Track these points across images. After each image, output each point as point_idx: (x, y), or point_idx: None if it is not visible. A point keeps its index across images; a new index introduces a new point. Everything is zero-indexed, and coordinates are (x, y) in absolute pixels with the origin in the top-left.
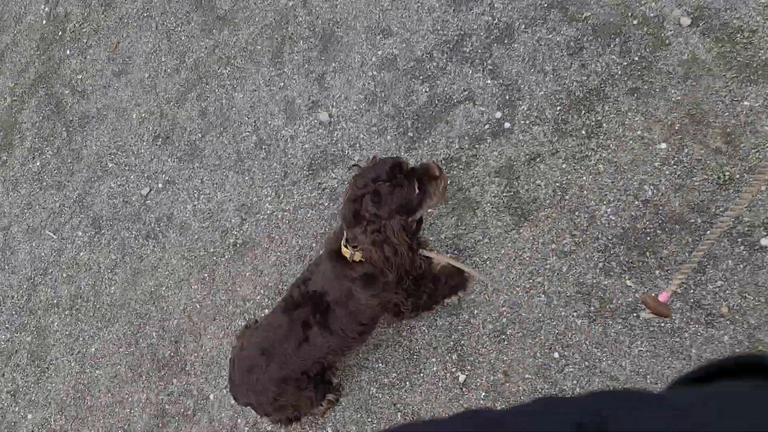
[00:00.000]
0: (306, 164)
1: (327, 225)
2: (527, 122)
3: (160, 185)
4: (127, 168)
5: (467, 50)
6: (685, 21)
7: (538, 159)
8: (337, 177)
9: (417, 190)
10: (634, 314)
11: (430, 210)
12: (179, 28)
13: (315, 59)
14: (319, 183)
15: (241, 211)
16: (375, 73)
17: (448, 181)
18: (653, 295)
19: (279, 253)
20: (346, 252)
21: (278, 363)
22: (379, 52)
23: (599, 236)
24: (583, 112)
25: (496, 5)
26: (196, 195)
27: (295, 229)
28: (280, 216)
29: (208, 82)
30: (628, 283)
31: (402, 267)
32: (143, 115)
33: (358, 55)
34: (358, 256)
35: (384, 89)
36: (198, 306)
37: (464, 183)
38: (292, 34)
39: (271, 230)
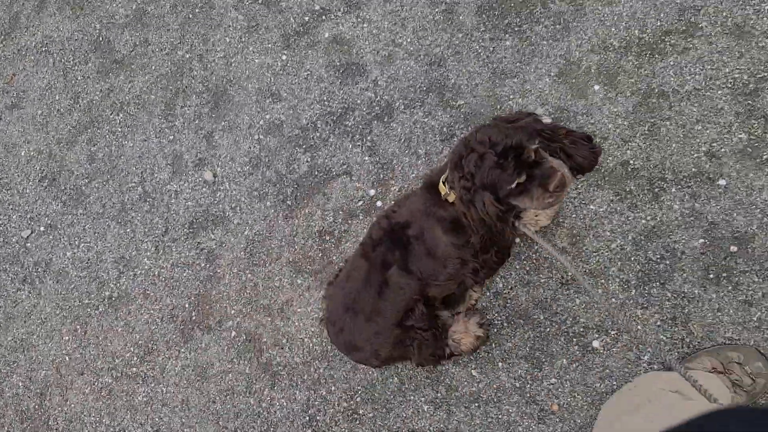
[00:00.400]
0: (188, 222)
1: (201, 286)
2: None
3: (41, 228)
4: (10, 207)
5: (350, 124)
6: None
7: None
8: (216, 239)
9: (514, 185)
10: (476, 404)
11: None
12: (76, 67)
13: (206, 115)
14: (199, 243)
15: (119, 264)
16: (261, 136)
17: (563, 198)
18: None
19: (152, 311)
20: (443, 188)
21: (364, 317)
22: (267, 116)
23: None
24: None
25: (379, 82)
26: (76, 242)
27: (170, 287)
28: (157, 273)
29: (99, 127)
30: (474, 373)
31: (487, 234)
32: (32, 153)
33: (247, 116)
34: (452, 197)
35: (268, 154)
36: (67, 358)
37: (334, 258)
38: (186, 87)
39: (147, 286)
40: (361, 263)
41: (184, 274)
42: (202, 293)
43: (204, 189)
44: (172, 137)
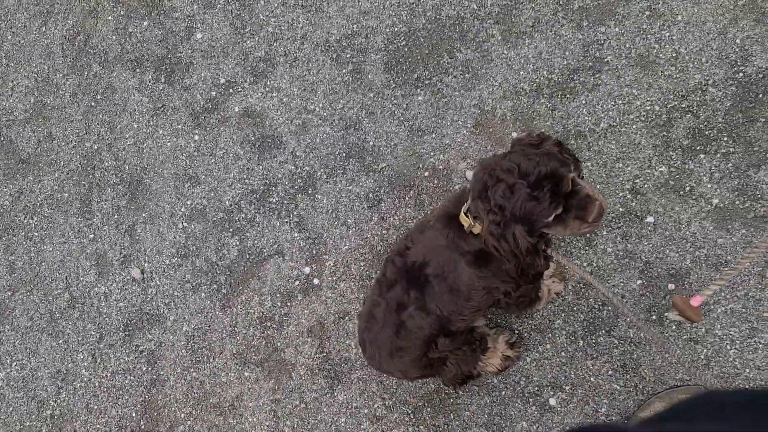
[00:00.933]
0: (122, 325)
1: (146, 392)
2: (334, 278)
3: None
4: None
5: (274, 201)
6: (470, 174)
7: (346, 317)
8: (154, 339)
9: (552, 218)
10: None
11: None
12: None
13: (124, 208)
14: (137, 345)
15: (56, 379)
16: (185, 224)
17: (599, 226)
18: (685, 297)
19: (98, 426)
20: (465, 220)
21: (387, 353)
22: (189, 202)
23: (408, 398)
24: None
25: (298, 153)
26: (8, 362)
27: (114, 397)
28: (97, 383)
29: (14, 234)
30: None
31: (522, 267)
32: None
33: (167, 204)
34: (477, 229)
35: (195, 242)
36: None
37: (279, 344)
38: (99, 180)
39: (89, 399)
40: (378, 301)
41: (127, 381)
42: (148, 399)
43: (134, 287)
44: (92, 236)
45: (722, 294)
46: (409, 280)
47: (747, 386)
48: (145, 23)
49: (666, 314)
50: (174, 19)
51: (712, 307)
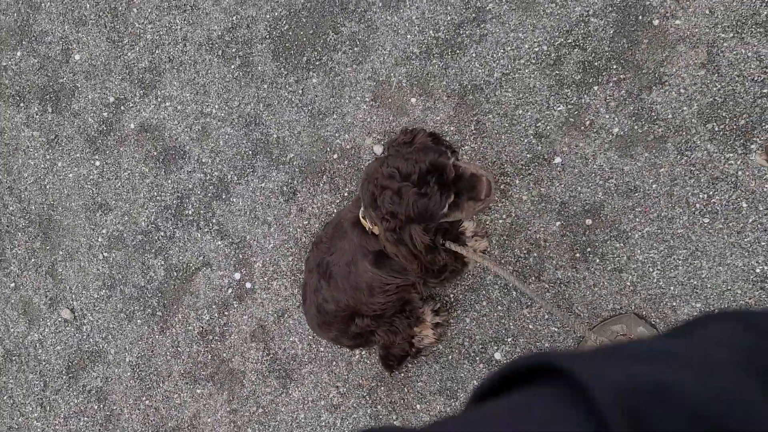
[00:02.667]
0: (63, 368)
1: (103, 429)
2: (266, 279)
3: None
4: None
5: (190, 212)
6: (378, 149)
7: (286, 314)
8: (99, 375)
9: (447, 207)
10: None
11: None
12: None
13: (40, 250)
14: (83, 385)
15: None
16: (106, 254)
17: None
18: None
19: None
20: (365, 223)
21: (318, 323)
22: (104, 231)
23: (361, 381)
24: None
25: (203, 160)
26: None
27: None
28: (52, 431)
29: None
30: (396, 423)
31: (422, 264)
32: None
33: (82, 237)
34: (376, 230)
35: (119, 270)
36: None
37: (224, 355)
38: (7, 226)
39: None
40: (305, 281)
41: (81, 423)
42: None
43: (67, 328)
44: (12, 284)
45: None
46: (320, 272)
47: (674, 303)
48: (18, 53)
49: (752, 157)
50: (47, 43)
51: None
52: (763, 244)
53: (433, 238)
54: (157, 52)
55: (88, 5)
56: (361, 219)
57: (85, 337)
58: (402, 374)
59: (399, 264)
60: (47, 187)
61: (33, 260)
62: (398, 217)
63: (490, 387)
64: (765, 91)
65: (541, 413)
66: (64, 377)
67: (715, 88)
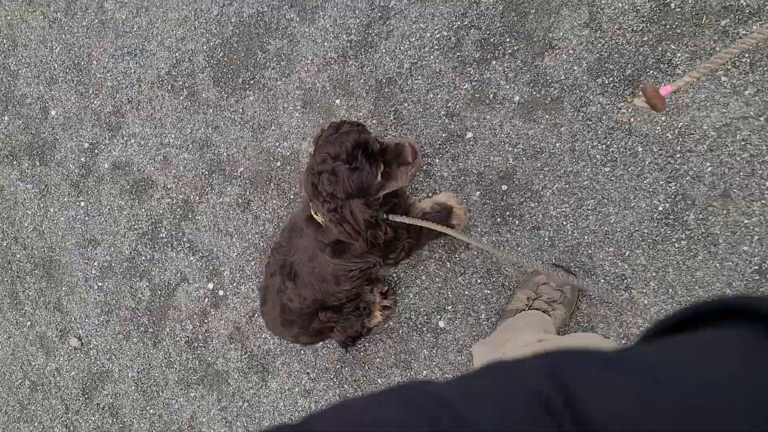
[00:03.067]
0: (80, 391)
1: None
2: (234, 284)
3: None
4: None
5: (163, 235)
6: (312, 150)
7: (256, 314)
8: (109, 393)
9: (379, 176)
10: None
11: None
12: None
13: (46, 288)
14: (98, 404)
15: None
16: (100, 283)
17: (420, 162)
18: (655, 86)
19: None
20: (318, 218)
21: (280, 323)
22: (96, 263)
23: (327, 365)
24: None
25: (169, 186)
26: None
27: None
28: None
29: None
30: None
31: (367, 239)
32: None
33: (79, 272)
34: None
35: (114, 296)
36: None
37: (209, 359)
38: (18, 272)
39: None
40: (266, 284)
41: None
42: None
43: (78, 355)
44: (29, 323)
45: (692, 87)
46: (283, 273)
47: (589, 251)
48: (6, 118)
49: (633, 101)
50: (27, 105)
51: (680, 99)
52: (661, 182)
53: (377, 214)
54: (117, 96)
55: (56, 65)
56: (313, 214)
57: (92, 360)
58: (361, 354)
59: (356, 249)
60: (45, 232)
61: (42, 299)
62: (337, 196)
63: (670, 325)
64: (645, 38)
65: (741, 345)
66: (81, 399)
67: (599, 44)
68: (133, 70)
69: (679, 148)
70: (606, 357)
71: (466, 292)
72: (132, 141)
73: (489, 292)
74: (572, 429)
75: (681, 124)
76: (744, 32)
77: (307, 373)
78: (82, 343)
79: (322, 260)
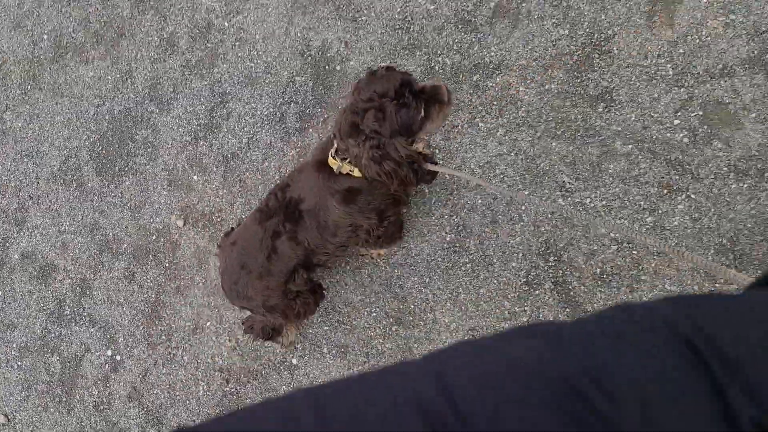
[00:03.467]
0: None
1: None
2: (128, 349)
3: None
4: None
5: (67, 312)
6: (180, 222)
7: (147, 374)
8: None
9: (422, 113)
10: None
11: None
12: None
13: None
14: None
15: None
16: (19, 363)
17: (453, 104)
18: None
19: None
20: (334, 163)
21: (256, 275)
22: (14, 345)
23: (209, 413)
24: (157, 322)
25: (68, 268)
26: None
27: None
28: None
29: None
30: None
31: (405, 180)
32: None
33: (1, 354)
34: (345, 169)
35: (31, 373)
36: None
37: (114, 418)
38: None
39: None
40: (255, 228)
41: None
42: None
43: (6, 430)
44: None
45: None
46: (286, 213)
47: (400, 283)
48: None
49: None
50: None
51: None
52: (446, 216)
53: (416, 153)
54: (20, 194)
55: None
56: (330, 159)
57: None
58: (235, 398)
59: (365, 201)
60: None
61: None
62: (381, 133)
63: None
64: None
65: None
66: None
67: None
68: (31, 170)
69: (455, 186)
70: (728, 299)
71: (310, 331)
72: (36, 232)
73: (328, 329)
74: (717, 365)
75: (453, 165)
76: (491, 84)
77: (193, 420)
78: (8, 419)
79: (329, 204)
